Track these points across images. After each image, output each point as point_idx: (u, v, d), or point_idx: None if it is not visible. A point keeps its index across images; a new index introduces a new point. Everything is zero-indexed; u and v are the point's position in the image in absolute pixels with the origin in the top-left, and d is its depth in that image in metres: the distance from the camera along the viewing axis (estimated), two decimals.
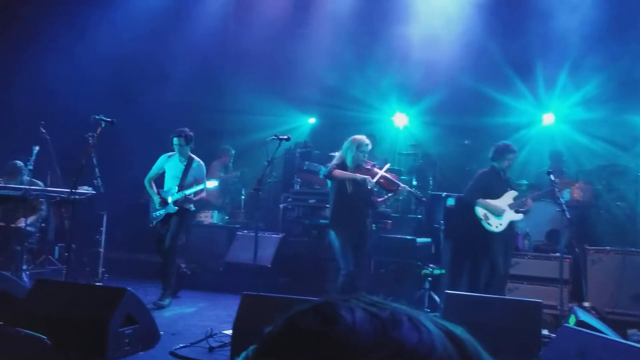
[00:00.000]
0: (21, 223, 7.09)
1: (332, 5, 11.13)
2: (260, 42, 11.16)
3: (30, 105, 9.45)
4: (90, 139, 6.75)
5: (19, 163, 7.44)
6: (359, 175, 5.91)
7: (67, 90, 9.52)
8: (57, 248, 8.59)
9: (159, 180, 7.08)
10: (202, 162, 7.00)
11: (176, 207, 6.78)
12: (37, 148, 7.13)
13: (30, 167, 7.05)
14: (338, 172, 5.99)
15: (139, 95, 10.25)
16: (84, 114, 6.76)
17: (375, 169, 6.08)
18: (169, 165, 6.94)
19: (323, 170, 6.31)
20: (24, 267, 7.13)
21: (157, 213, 6.89)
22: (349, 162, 6.01)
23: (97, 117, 6.13)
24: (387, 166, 6.35)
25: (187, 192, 6.74)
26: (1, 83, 9.34)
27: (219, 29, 11.73)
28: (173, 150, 6.91)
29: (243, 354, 0.78)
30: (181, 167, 6.88)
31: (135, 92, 10.41)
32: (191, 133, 6.86)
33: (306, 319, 0.71)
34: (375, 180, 5.92)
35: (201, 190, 6.87)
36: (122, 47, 10.32)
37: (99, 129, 6.15)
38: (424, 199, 6.16)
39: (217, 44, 11.49)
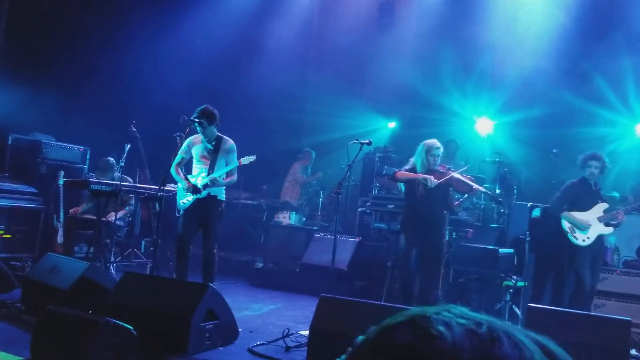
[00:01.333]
0: (111, 217, 7.42)
1: (417, 8, 11.02)
2: (343, 44, 11.23)
3: (123, 105, 9.91)
4: (179, 138, 6.98)
5: (111, 160, 7.80)
6: (421, 175, 5.86)
7: (158, 91, 9.91)
8: (143, 242, 8.97)
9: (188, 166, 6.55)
10: (232, 141, 6.36)
11: (206, 192, 6.17)
12: (128, 146, 7.44)
13: (122, 164, 7.36)
14: (400, 174, 5.99)
15: (222, 95, 10.50)
16: (173, 114, 6.99)
17: (450, 172, 5.96)
18: (197, 149, 6.34)
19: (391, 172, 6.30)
20: (112, 259, 7.46)
21: (185, 201, 6.28)
22: (418, 166, 5.99)
23: (187, 117, 6.31)
24: (464, 168, 6.24)
25: (217, 174, 6.16)
26: (98, 83, 9.82)
27: (303, 31, 11.90)
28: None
29: None
30: (210, 149, 6.29)
31: (219, 91, 10.69)
32: (214, 111, 6.19)
33: (402, 332, 0.70)
34: (440, 181, 5.80)
35: (232, 174, 6.32)
36: (210, 49, 10.65)
37: (187, 129, 6.32)
38: (500, 199, 5.97)
39: (300, 46, 11.65)
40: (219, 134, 6.35)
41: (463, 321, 0.70)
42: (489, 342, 0.66)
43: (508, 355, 0.65)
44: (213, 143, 6.30)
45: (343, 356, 0.77)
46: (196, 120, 6.10)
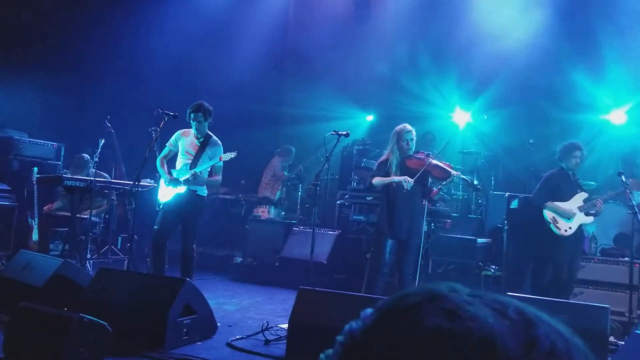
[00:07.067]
0: (86, 213, 7.31)
1: (393, 0, 11.03)
2: (320, 36, 11.21)
3: (98, 100, 9.76)
4: (154, 132, 6.89)
5: (86, 156, 7.68)
6: (395, 178, 5.56)
7: (132, 85, 9.79)
8: (119, 238, 8.85)
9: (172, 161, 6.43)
10: (219, 142, 6.30)
11: (186, 187, 6.10)
12: (102, 141, 7.33)
13: (96, 160, 7.25)
14: (376, 180, 5.73)
15: (197, 88, 10.39)
16: (148, 108, 6.89)
17: (429, 159, 5.61)
18: (183, 142, 6.27)
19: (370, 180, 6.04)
20: (88, 256, 7.34)
21: (165, 195, 6.23)
22: (395, 155, 5.69)
23: (161, 110, 6.22)
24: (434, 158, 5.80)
25: (199, 168, 6.05)
26: (72, 78, 9.67)
27: (280, 22, 11.85)
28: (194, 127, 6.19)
29: (322, 356, 0.67)
30: (196, 144, 6.23)
31: (193, 85, 10.58)
32: (210, 108, 6.19)
33: (428, 313, 0.60)
34: (416, 176, 5.49)
35: (217, 173, 6.25)
36: (184, 42, 10.55)
37: (162, 123, 6.24)
38: (479, 186, 5.76)
39: (277, 38, 11.59)
40: (209, 131, 6.29)
41: (486, 301, 0.63)
42: (525, 325, 0.61)
43: (549, 338, 0.61)
44: (201, 139, 6.23)
45: (329, 351, 0.66)
46: (193, 113, 6.08)
